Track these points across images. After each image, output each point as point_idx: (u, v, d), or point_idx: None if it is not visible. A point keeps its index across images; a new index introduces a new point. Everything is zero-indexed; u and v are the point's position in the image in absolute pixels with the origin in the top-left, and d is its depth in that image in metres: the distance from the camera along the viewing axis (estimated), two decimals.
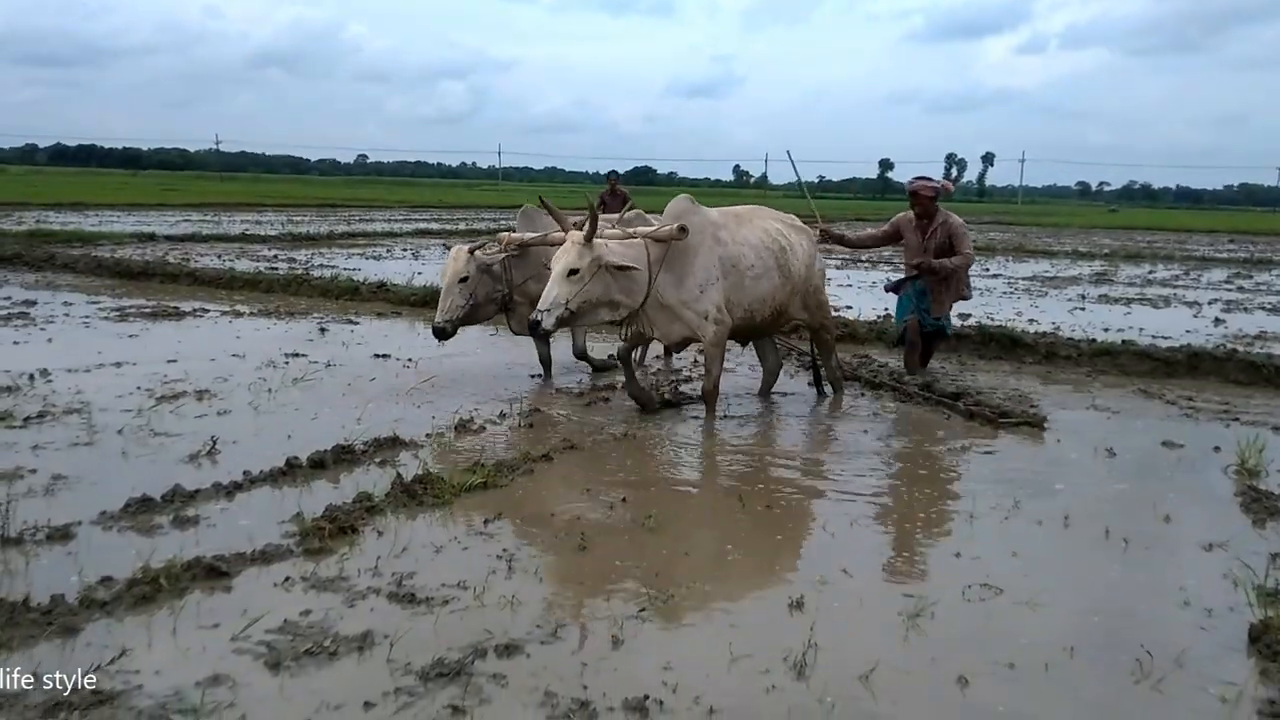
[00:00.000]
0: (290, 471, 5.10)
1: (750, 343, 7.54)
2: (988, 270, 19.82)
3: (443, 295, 7.20)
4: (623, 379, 6.99)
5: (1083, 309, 13.43)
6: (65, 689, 2.89)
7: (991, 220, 48.41)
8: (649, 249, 6.29)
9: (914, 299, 8.38)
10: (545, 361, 8.10)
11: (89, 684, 2.93)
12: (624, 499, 4.89)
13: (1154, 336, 10.34)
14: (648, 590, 3.78)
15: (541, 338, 6.11)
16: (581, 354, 8.25)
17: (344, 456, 5.38)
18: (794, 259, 6.91)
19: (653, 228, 6.42)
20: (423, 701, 2.95)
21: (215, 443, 5.54)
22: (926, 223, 8.20)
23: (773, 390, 7.61)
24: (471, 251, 7.23)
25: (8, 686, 2.89)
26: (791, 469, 5.58)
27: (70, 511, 4.39)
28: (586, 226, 5.99)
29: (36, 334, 9.17)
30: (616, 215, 8.04)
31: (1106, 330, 10.91)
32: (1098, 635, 3.56)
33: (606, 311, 6.23)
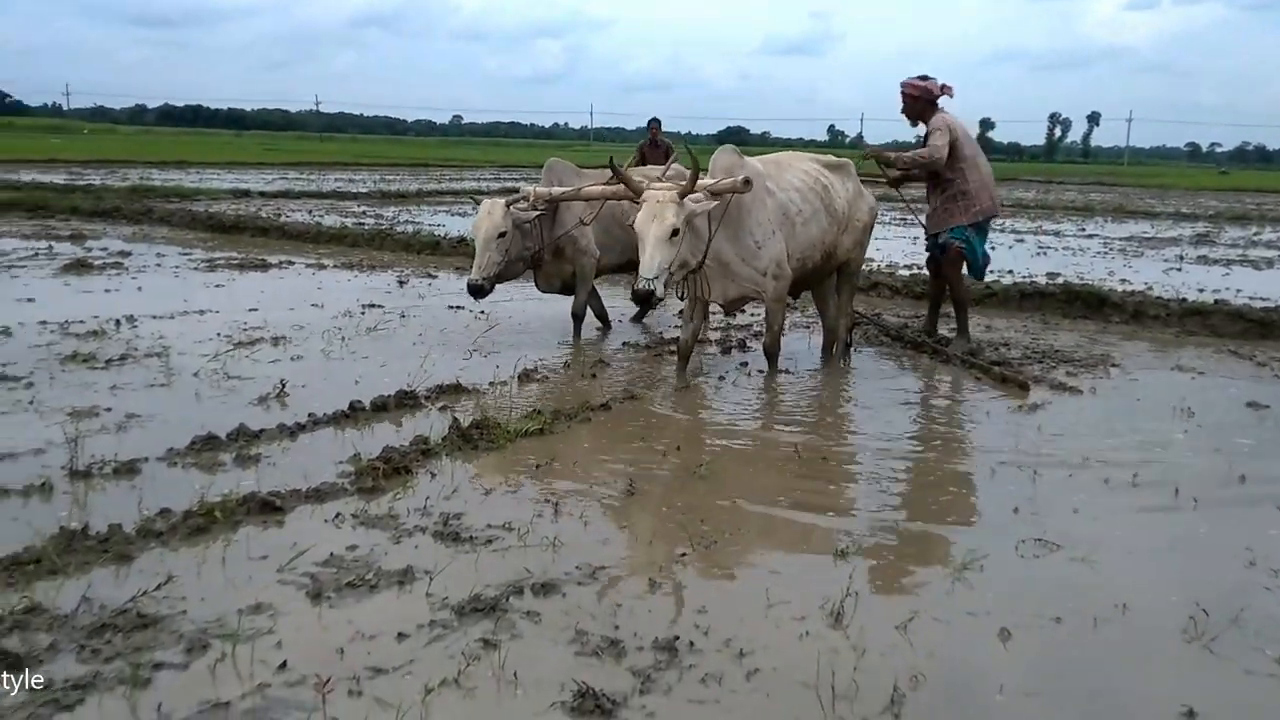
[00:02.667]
0: (353, 414, 5.19)
1: (800, 295, 7.18)
2: (1083, 230, 19.25)
3: (479, 251, 6.88)
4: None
5: (1179, 269, 12.94)
6: (110, 612, 2.99)
7: (1095, 181, 46.83)
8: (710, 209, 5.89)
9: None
10: (602, 315, 8.13)
11: (134, 608, 3.02)
12: (677, 447, 4.87)
13: (1251, 298, 9.90)
14: (690, 536, 3.76)
15: (654, 305, 5.76)
16: (581, 313, 7.72)
17: (406, 401, 5.46)
18: (836, 197, 6.57)
19: (713, 181, 5.98)
20: (455, 634, 2.98)
21: (284, 386, 5.66)
22: (924, 126, 7.42)
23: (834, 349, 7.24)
24: (508, 205, 6.95)
25: (59, 609, 3.00)
26: (849, 421, 5.49)
27: (139, 448, 4.53)
28: (684, 187, 5.65)
29: (128, 282, 9.48)
30: (658, 168, 7.99)
31: (1201, 291, 10.50)
32: (1153, 593, 3.43)
33: (680, 273, 5.88)
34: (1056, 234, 18.43)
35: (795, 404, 5.90)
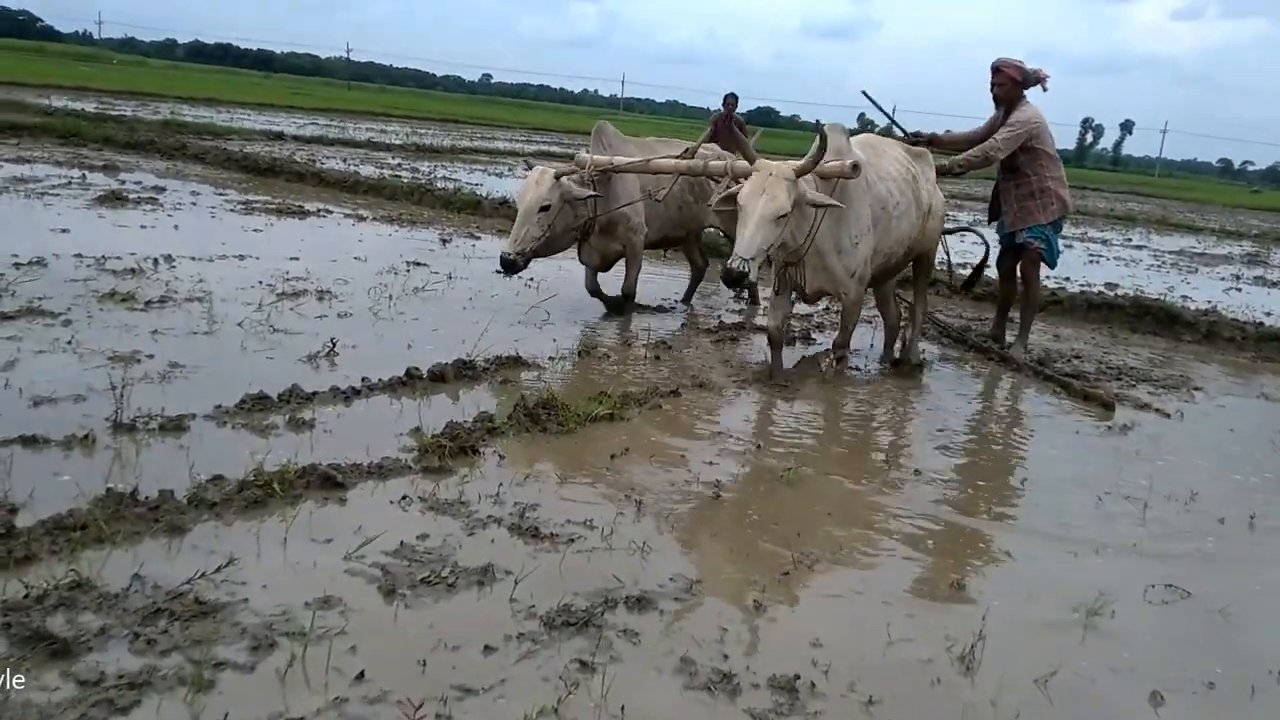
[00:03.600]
0: (409, 382, 4.87)
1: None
2: (1130, 240, 18.78)
3: (518, 222, 6.25)
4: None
5: (1238, 289, 12.52)
6: (165, 595, 2.68)
7: (1128, 191, 46.15)
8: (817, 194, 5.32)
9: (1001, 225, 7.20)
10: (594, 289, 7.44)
11: (192, 591, 2.71)
12: (758, 446, 4.53)
13: None
14: (790, 552, 3.43)
15: (743, 287, 5.22)
16: (632, 292, 7.31)
17: (465, 372, 5.13)
18: (922, 190, 6.09)
19: (824, 162, 5.35)
20: (548, 652, 2.66)
21: (334, 345, 5.33)
22: (1004, 115, 6.85)
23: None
24: (558, 177, 6.30)
25: (108, 586, 2.69)
26: (940, 432, 5.14)
27: (184, 402, 4.21)
28: (808, 157, 5.09)
29: (164, 220, 9.14)
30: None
31: (1269, 314, 10.10)
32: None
33: (779, 257, 5.40)
34: (1104, 243, 17.97)
35: (873, 410, 5.55)
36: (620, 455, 4.20)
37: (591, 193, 6.38)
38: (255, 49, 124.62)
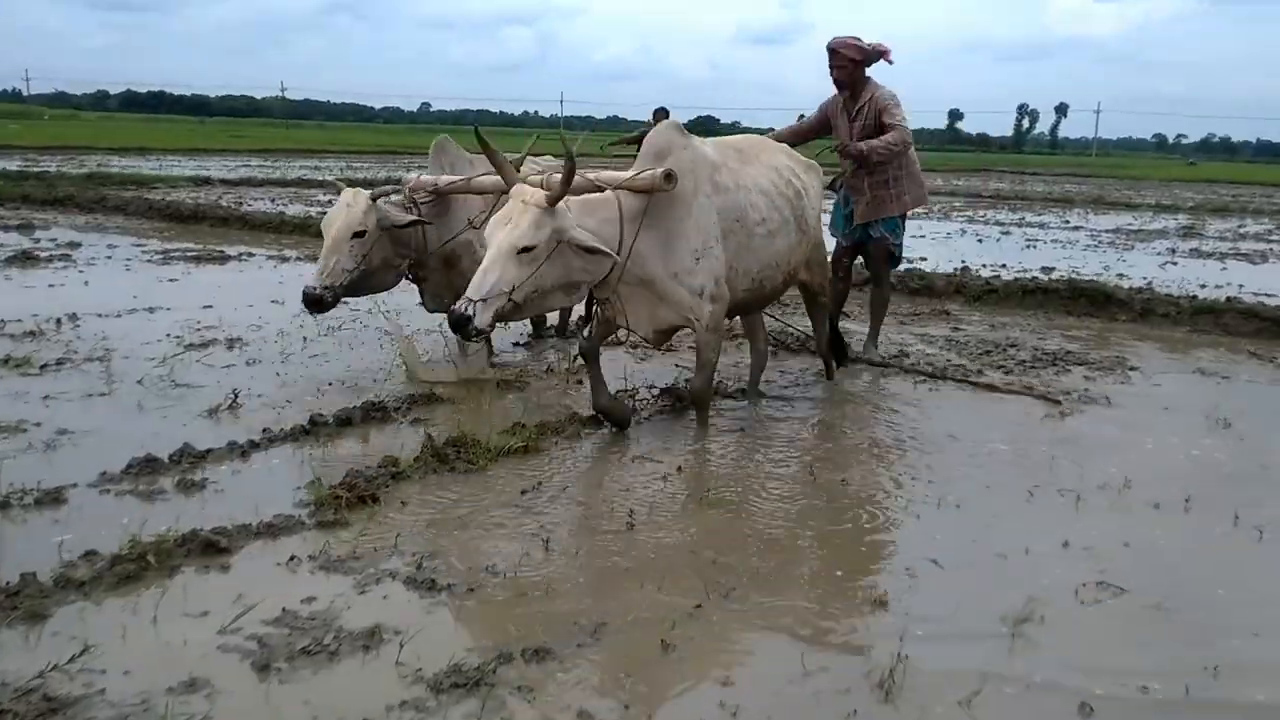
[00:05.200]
0: (314, 430, 4.64)
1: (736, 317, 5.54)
2: (1068, 223, 18.91)
3: (325, 251, 5.35)
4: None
5: (1174, 264, 12.56)
6: (12, 694, 2.44)
7: (1066, 173, 46.81)
8: (621, 204, 4.43)
9: (842, 210, 6.58)
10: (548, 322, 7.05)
11: (41, 687, 2.48)
12: (679, 468, 4.35)
13: (1256, 294, 9.51)
14: (704, 581, 3.25)
15: (471, 338, 4.11)
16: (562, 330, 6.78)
17: (374, 414, 4.92)
18: (809, 207, 5.25)
19: (625, 174, 4.58)
20: (435, 717, 2.46)
21: (237, 396, 5.09)
22: (852, 99, 6.26)
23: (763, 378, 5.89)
24: (374, 200, 5.42)
25: None
26: (856, 447, 4.97)
27: (68, 472, 3.97)
28: (559, 184, 4.17)
29: (74, 276, 8.83)
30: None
31: (1204, 287, 10.11)
32: (1246, 654, 2.96)
33: (560, 298, 4.43)
34: (1041, 226, 18.08)
35: (792, 422, 5.39)
36: (531, 491, 4.00)
37: (413, 218, 5.47)
38: (190, 94, 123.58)
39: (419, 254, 5.69)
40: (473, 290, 4.00)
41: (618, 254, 4.33)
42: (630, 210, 4.43)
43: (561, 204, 4.19)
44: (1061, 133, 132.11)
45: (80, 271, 9.10)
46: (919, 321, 8.27)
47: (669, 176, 4.40)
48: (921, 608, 3.15)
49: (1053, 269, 11.16)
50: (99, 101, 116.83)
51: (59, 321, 6.79)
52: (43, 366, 5.62)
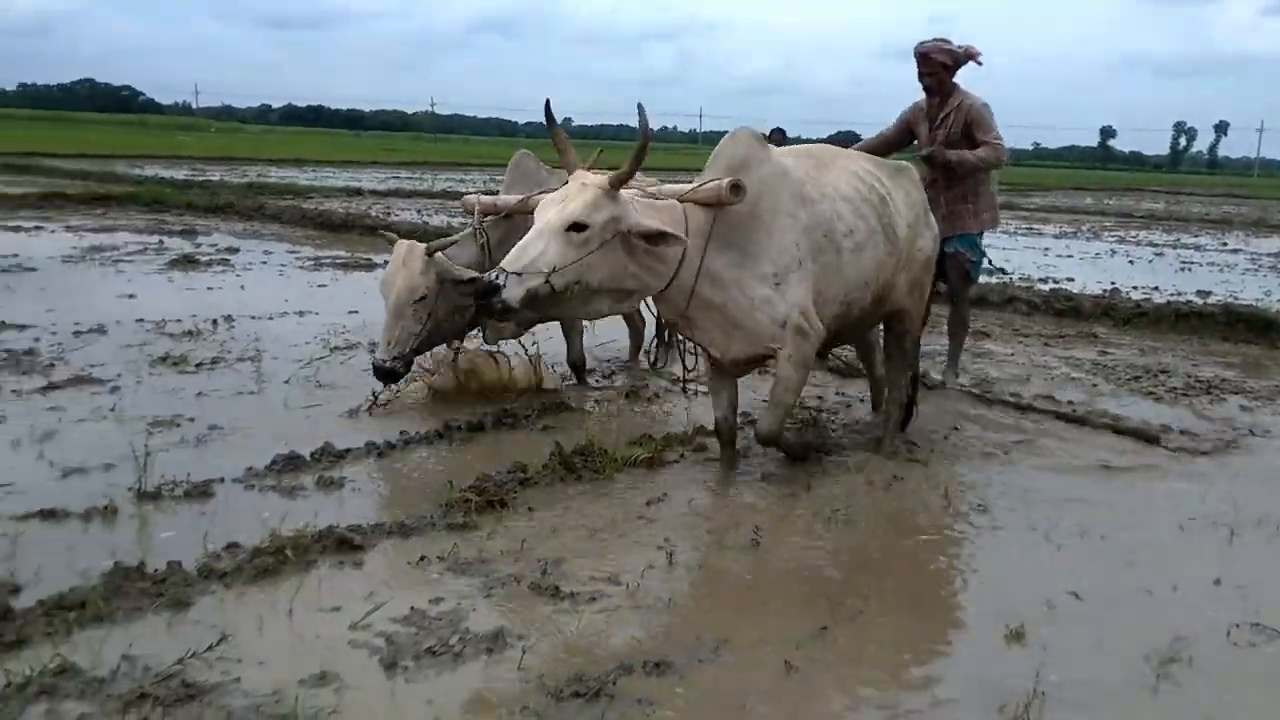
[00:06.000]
0: (447, 434, 4.75)
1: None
2: (1225, 245, 17.96)
3: (389, 320, 4.96)
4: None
5: None
6: (153, 678, 2.55)
7: (1225, 193, 44.53)
8: (687, 217, 3.94)
9: None
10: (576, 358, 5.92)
11: (181, 673, 2.58)
12: (808, 487, 4.28)
13: None
14: (830, 603, 3.18)
15: (495, 313, 3.61)
16: (578, 363, 5.97)
17: (504, 421, 5.00)
18: (896, 214, 4.58)
19: (689, 185, 4.13)
20: None
21: (376, 398, 5.25)
22: (939, 106, 5.91)
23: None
24: (430, 254, 4.98)
25: (96, 670, 2.58)
26: (994, 472, 4.80)
27: (216, 466, 4.15)
28: (624, 167, 3.74)
29: (231, 280, 9.27)
30: None
31: None
32: None
33: (605, 303, 3.92)
34: (1197, 248, 17.23)
35: (921, 451, 5.23)
36: (656, 502, 3.99)
37: (473, 275, 4.83)
38: (346, 109, 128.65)
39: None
40: (508, 261, 3.58)
41: (678, 273, 3.89)
42: (696, 225, 3.94)
43: (626, 193, 3.81)
44: (1221, 152, 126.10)
45: (237, 275, 9.54)
46: (1064, 343, 7.97)
47: (736, 188, 3.90)
48: (1059, 642, 3.01)
49: (1209, 293, 10.61)
50: (262, 115, 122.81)
51: (215, 323, 7.12)
52: (198, 365, 5.90)
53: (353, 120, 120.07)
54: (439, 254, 5.00)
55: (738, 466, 4.46)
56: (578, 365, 5.93)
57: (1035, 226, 20.56)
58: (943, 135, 5.86)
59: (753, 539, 3.67)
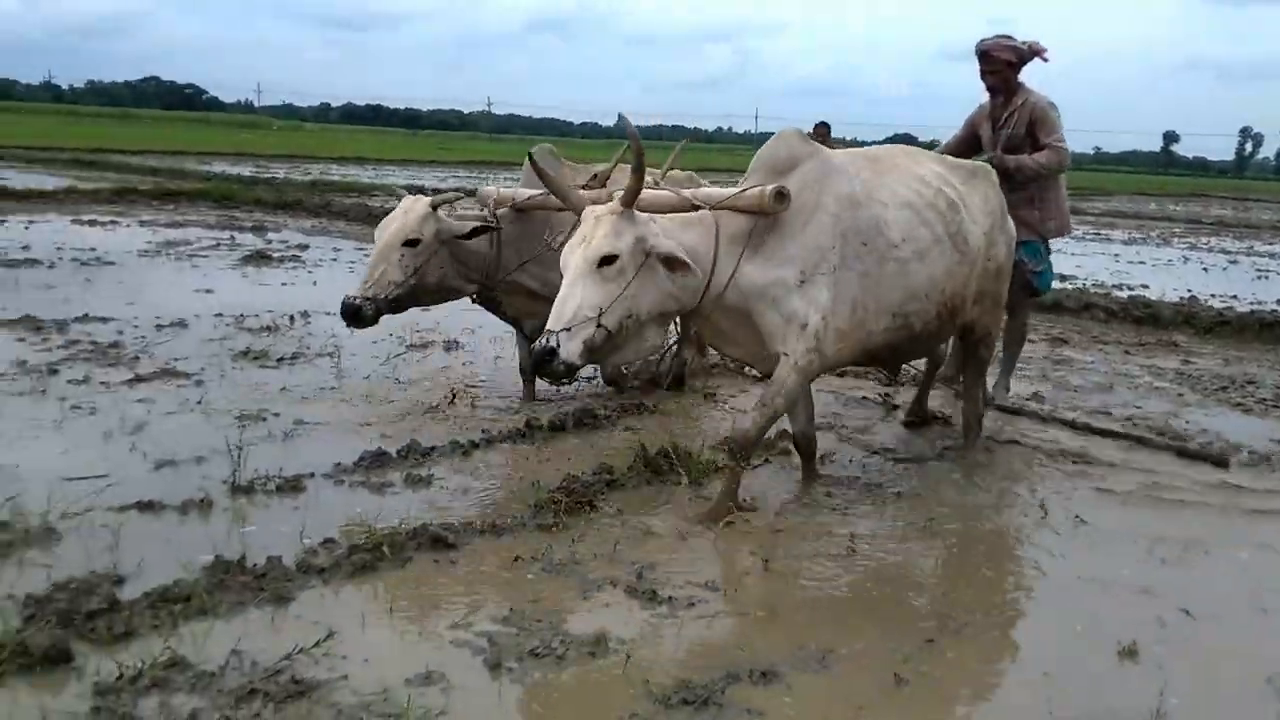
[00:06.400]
0: (529, 433, 4.73)
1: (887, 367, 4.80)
2: None
3: (373, 259, 4.76)
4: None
5: None
6: (262, 673, 2.55)
7: None
8: (719, 225, 3.71)
9: None
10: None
11: (289, 669, 2.58)
12: (898, 493, 4.20)
13: None
14: (935, 614, 3.11)
15: (560, 379, 3.41)
16: (614, 379, 5.67)
17: (586, 421, 4.97)
18: (970, 220, 4.25)
19: (728, 190, 3.85)
20: None
21: (455, 396, 5.25)
22: (1002, 106, 5.59)
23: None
24: (434, 207, 4.82)
25: (205, 664, 2.58)
26: (1091, 484, 4.67)
27: (305, 461, 4.17)
28: (629, 184, 3.48)
29: (304, 276, 9.36)
30: None
31: None
32: None
33: (655, 331, 3.71)
34: (1271, 255, 16.82)
35: (1032, 451, 5.12)
36: (745, 507, 3.94)
37: (477, 225, 4.82)
38: (403, 108, 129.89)
39: (489, 278, 5.01)
40: (553, 320, 3.36)
41: (709, 283, 3.65)
42: (731, 232, 3.70)
43: (641, 213, 3.57)
44: None
45: (309, 272, 9.64)
46: (1145, 352, 7.78)
47: (780, 195, 3.65)
48: (1173, 659, 2.92)
49: None
50: (321, 113, 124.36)
51: (292, 318, 7.18)
52: (279, 360, 5.95)
53: (410, 119, 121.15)
54: (443, 211, 4.83)
55: (819, 477, 4.32)
56: (614, 380, 5.63)
57: (1102, 232, 20.18)
58: (1005, 135, 5.54)
59: (848, 547, 3.60)
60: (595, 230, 3.46)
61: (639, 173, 3.45)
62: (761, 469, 4.48)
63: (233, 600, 2.92)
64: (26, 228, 11.60)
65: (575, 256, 3.45)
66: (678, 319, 3.96)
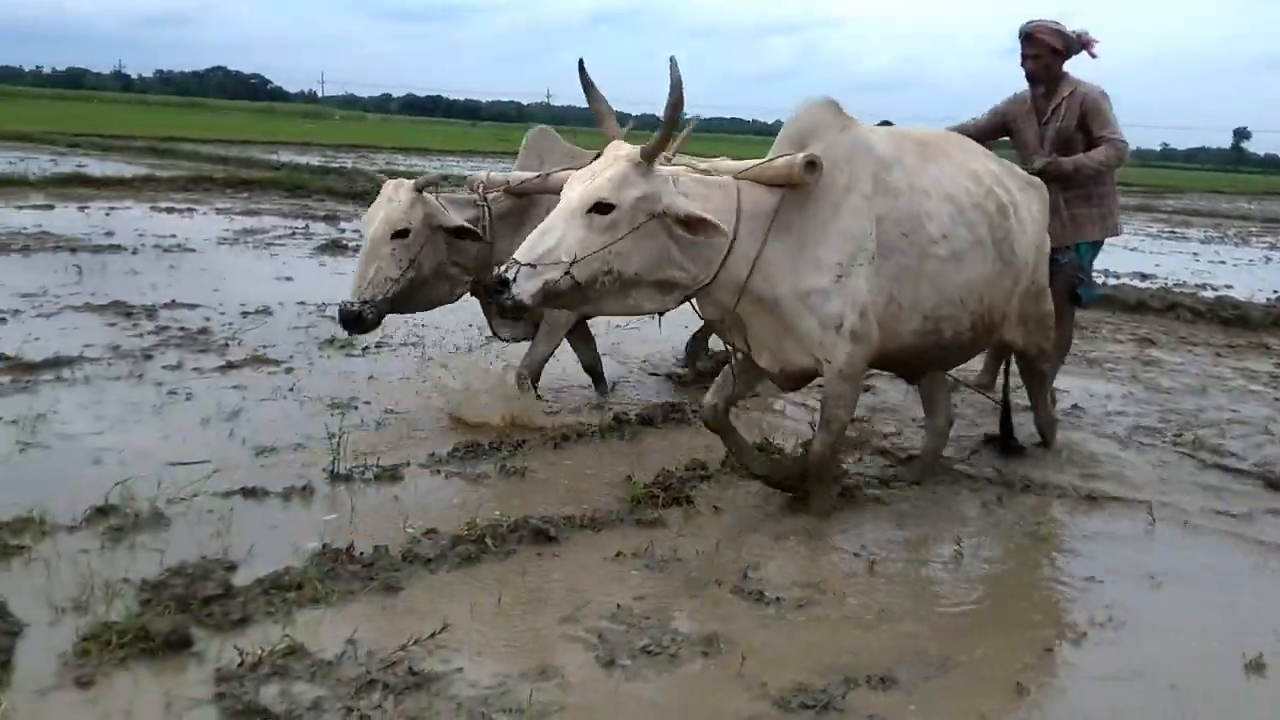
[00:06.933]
0: (618, 427, 4.70)
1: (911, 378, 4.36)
2: None
3: (363, 257, 4.37)
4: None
5: None
6: (379, 664, 2.55)
7: None
8: (741, 198, 3.37)
9: None
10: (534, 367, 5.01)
11: (405, 660, 2.57)
12: (998, 498, 4.10)
13: None
14: (1053, 622, 3.02)
15: (507, 312, 3.11)
16: (594, 367, 5.35)
17: (674, 414, 4.94)
18: (1019, 231, 3.91)
19: (755, 162, 3.54)
20: None
21: (535, 385, 5.24)
22: (1046, 98, 5.14)
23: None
24: (419, 189, 4.44)
25: (322, 652, 2.58)
26: (1195, 476, 4.54)
27: (399, 451, 4.20)
28: (657, 135, 3.16)
29: None
30: None
31: None
32: None
33: (648, 296, 3.36)
34: None
35: (1124, 447, 4.99)
36: (846, 506, 3.87)
37: (462, 224, 4.41)
38: (463, 99, 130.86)
39: (482, 268, 4.55)
40: (522, 251, 3.07)
41: (726, 262, 3.32)
42: (755, 207, 3.36)
43: (665, 168, 3.26)
44: None
45: None
46: (1236, 354, 7.56)
47: (811, 165, 3.32)
48: None
49: None
50: (382, 104, 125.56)
51: None
52: (364, 349, 5.99)
53: (469, 110, 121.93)
54: (429, 194, 4.45)
55: (750, 455, 3.86)
56: (535, 374, 5.06)
57: (1177, 230, 19.73)
58: (1054, 131, 5.10)
59: (955, 550, 3.53)
60: (604, 170, 3.17)
61: (671, 123, 3.13)
62: (868, 462, 4.40)
63: (343, 589, 2.92)
64: (108, 214, 11.83)
65: (573, 191, 3.18)
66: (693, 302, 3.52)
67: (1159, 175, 53.21)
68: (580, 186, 3.16)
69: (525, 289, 3.01)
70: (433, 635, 2.70)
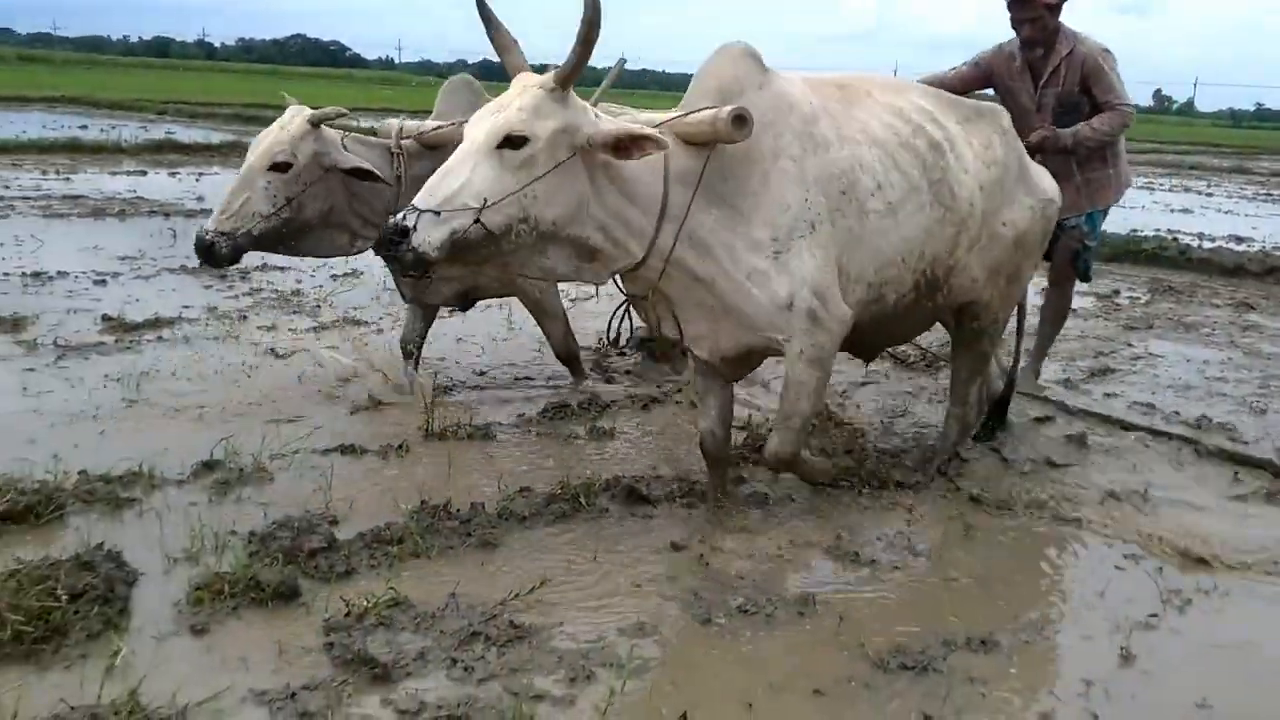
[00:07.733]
0: None
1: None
2: None
3: (235, 185, 3.86)
4: None
5: None
6: (480, 616, 2.59)
7: None
8: (667, 158, 2.86)
9: None
10: (411, 342, 4.57)
11: (504, 613, 2.62)
12: (1098, 463, 4.02)
13: None
14: (1157, 588, 2.96)
15: (406, 268, 2.60)
16: (569, 355, 4.74)
17: (757, 379, 4.90)
18: (959, 169, 3.40)
19: (678, 112, 3.01)
20: (885, 699, 2.37)
21: (612, 340, 5.23)
22: (1042, 56, 4.62)
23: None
24: (315, 124, 3.89)
25: (425, 605, 2.63)
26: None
27: (488, 411, 4.27)
28: (567, 62, 2.70)
29: None
30: None
31: None
32: None
33: (568, 257, 2.86)
34: None
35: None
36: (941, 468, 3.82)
37: (366, 167, 3.83)
38: (539, 66, 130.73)
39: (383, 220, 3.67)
40: (422, 197, 2.61)
41: (656, 235, 2.87)
42: (681, 168, 2.90)
43: (580, 100, 2.79)
44: None
45: None
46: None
47: (740, 119, 2.80)
48: None
49: None
50: (456, 69, 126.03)
51: None
52: (450, 310, 6.04)
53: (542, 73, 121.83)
54: (327, 126, 3.93)
55: (726, 491, 3.46)
56: (569, 358, 4.72)
57: (1274, 192, 19.01)
58: (1053, 95, 4.63)
59: (1055, 514, 3.47)
60: (514, 100, 2.72)
61: (586, 45, 2.67)
62: (928, 434, 4.34)
63: (443, 544, 2.98)
64: (197, 179, 12.11)
65: (479, 126, 2.71)
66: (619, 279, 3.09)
67: (1254, 136, 51.36)
68: (488, 119, 2.71)
69: (429, 239, 2.54)
70: (531, 590, 2.74)
